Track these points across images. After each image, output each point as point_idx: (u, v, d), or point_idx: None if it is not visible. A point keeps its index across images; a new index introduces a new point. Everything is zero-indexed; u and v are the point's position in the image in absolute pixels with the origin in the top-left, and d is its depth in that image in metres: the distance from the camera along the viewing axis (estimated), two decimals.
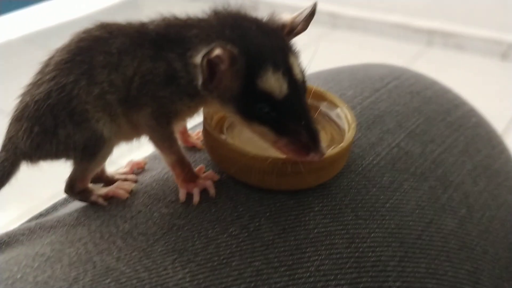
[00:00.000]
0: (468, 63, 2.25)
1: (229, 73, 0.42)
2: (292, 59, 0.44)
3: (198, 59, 0.41)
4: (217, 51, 0.40)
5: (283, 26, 0.46)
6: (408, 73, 0.67)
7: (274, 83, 0.42)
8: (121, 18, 0.48)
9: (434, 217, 0.49)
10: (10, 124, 0.48)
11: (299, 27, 0.46)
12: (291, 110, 0.43)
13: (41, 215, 0.57)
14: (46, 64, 0.47)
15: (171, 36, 0.45)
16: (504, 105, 1.85)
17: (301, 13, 0.46)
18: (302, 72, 0.45)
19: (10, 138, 0.48)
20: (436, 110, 0.61)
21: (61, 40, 0.48)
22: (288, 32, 0.46)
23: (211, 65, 0.41)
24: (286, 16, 0.47)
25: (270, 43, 0.43)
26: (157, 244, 0.43)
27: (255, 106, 0.43)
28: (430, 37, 2.43)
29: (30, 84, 0.48)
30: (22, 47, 2.42)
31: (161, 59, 0.45)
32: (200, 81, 0.41)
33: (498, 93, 1.98)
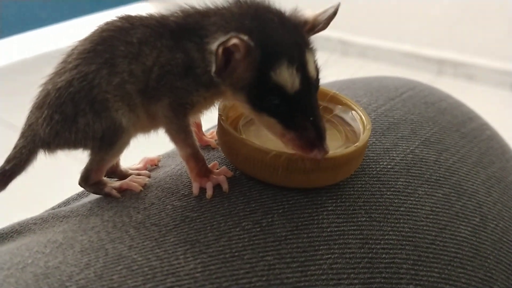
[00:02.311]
0: (478, 94, 2.25)
1: (243, 63, 0.42)
2: (308, 56, 0.44)
3: (214, 46, 0.41)
4: (233, 41, 0.40)
5: (305, 22, 0.46)
6: (422, 85, 0.68)
7: (287, 77, 0.42)
8: None
9: (448, 223, 0.49)
10: (31, 112, 0.49)
11: (320, 26, 0.46)
12: (300, 106, 0.43)
13: (52, 209, 0.56)
14: (69, 54, 0.48)
15: (189, 26, 0.46)
16: None
17: (325, 11, 0.46)
18: (316, 69, 0.45)
19: (29, 125, 0.48)
20: (450, 121, 0.61)
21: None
22: (309, 29, 0.46)
23: (227, 53, 0.41)
24: (309, 13, 0.47)
25: (289, 37, 0.44)
26: (169, 234, 0.43)
27: (266, 98, 0.43)
28: (441, 66, 2.43)
29: (52, 73, 0.48)
30: (39, 65, 2.44)
31: (180, 50, 0.45)
32: (213, 68, 0.42)
33: (508, 124, 1.98)
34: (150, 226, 0.43)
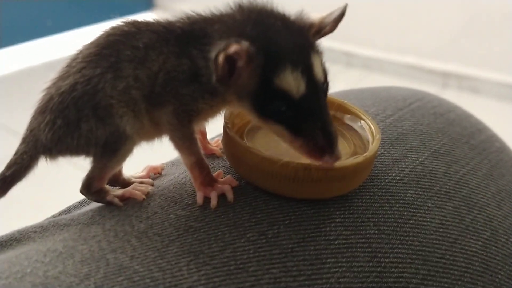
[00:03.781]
0: (483, 107, 2.23)
1: (246, 70, 0.41)
2: (314, 59, 0.43)
3: (213, 54, 0.41)
4: (233, 48, 0.39)
5: (310, 25, 0.45)
6: (430, 96, 0.67)
7: (291, 82, 0.41)
8: None
9: (458, 237, 0.48)
10: (33, 117, 0.48)
11: (327, 28, 0.45)
12: (308, 110, 0.42)
13: (53, 217, 0.55)
14: (74, 58, 0.47)
15: (195, 32, 0.45)
16: None
17: (331, 14, 0.45)
18: (324, 72, 0.44)
19: (31, 130, 0.47)
20: (459, 132, 0.60)
21: None
22: (316, 32, 0.45)
23: (230, 60, 0.40)
24: (315, 15, 0.46)
25: (293, 41, 0.43)
26: (172, 245, 0.41)
27: (271, 104, 0.42)
28: (445, 79, 2.42)
29: (56, 77, 0.47)
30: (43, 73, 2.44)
31: (186, 56, 0.44)
32: (214, 76, 0.41)
33: None
34: (152, 236, 0.42)
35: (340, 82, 2.38)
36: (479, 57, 2.33)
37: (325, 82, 0.44)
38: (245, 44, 0.40)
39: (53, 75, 0.48)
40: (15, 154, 0.48)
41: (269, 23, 0.43)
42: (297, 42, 0.43)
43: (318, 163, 0.42)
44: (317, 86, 0.42)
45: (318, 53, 0.44)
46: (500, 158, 0.60)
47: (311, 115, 0.42)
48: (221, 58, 0.40)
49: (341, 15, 0.45)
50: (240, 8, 0.45)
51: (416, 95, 0.65)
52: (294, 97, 0.41)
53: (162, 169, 0.55)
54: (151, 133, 0.48)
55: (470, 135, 0.60)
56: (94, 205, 0.50)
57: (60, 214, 0.55)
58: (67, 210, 0.55)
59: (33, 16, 2.62)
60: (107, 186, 0.49)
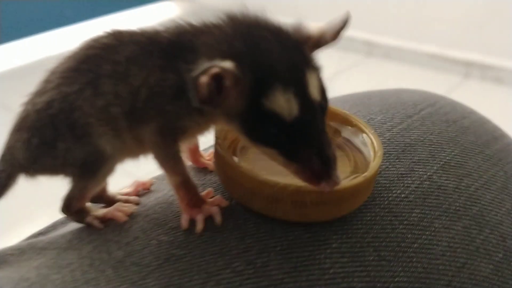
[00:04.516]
0: (506, 97, 2.18)
1: (234, 91, 0.38)
2: (309, 77, 0.39)
3: (194, 74, 0.37)
4: (214, 70, 0.36)
5: (308, 37, 0.41)
6: (444, 100, 0.62)
7: (282, 103, 0.37)
8: None
9: (467, 260, 0.44)
10: (11, 134, 0.45)
11: (328, 38, 0.41)
12: (302, 134, 0.38)
13: (40, 233, 0.53)
14: (53, 72, 0.44)
15: (182, 44, 0.41)
16: None
17: (331, 24, 0.42)
18: (321, 91, 0.40)
19: (9, 148, 0.45)
20: (473, 141, 0.55)
21: None
22: (314, 45, 0.42)
23: (217, 78, 0.37)
24: (313, 26, 0.42)
25: (286, 57, 0.39)
26: (150, 277, 0.38)
27: (261, 127, 0.38)
28: (468, 69, 2.36)
29: (33, 93, 0.45)
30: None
31: (171, 70, 0.41)
32: (194, 99, 0.37)
33: None
34: (129, 266, 0.39)
35: (360, 72, 2.33)
36: (503, 46, 2.26)
37: (323, 101, 0.40)
38: (229, 65, 0.36)
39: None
40: None
41: (260, 38, 0.39)
42: (291, 58, 0.39)
43: (315, 188, 0.38)
44: (313, 106, 0.39)
45: (315, 69, 0.40)
46: None
47: (306, 139, 0.38)
48: (203, 80, 0.36)
49: (343, 24, 0.41)
50: (230, 19, 0.42)
51: (428, 100, 0.60)
52: (286, 120, 0.37)
53: (151, 184, 0.52)
54: (135, 151, 0.46)
55: (485, 144, 0.56)
56: (77, 224, 0.48)
57: (46, 230, 0.53)
58: (53, 226, 0.53)
59: (52, 6, 2.61)
60: (88, 206, 0.47)
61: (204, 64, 0.37)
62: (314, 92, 0.39)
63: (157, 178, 0.54)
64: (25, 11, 2.44)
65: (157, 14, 2.96)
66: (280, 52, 0.39)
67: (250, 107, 0.38)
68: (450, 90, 2.22)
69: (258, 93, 0.37)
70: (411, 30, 2.49)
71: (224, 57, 0.37)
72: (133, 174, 0.53)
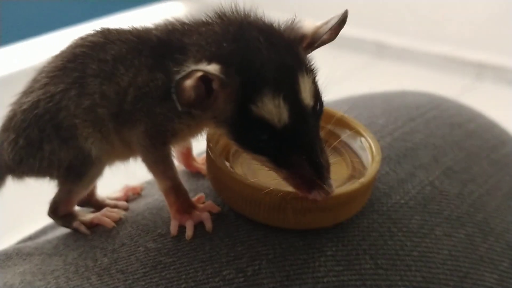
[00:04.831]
0: None
1: (222, 94, 0.36)
2: (302, 81, 0.37)
3: (176, 78, 0.35)
4: (198, 74, 0.34)
5: (302, 37, 0.40)
6: (449, 103, 0.61)
7: (272, 109, 0.36)
8: None
9: (470, 270, 0.43)
10: None
11: (325, 37, 0.39)
12: (293, 141, 0.37)
13: (30, 238, 0.53)
14: (40, 71, 0.44)
15: (172, 43, 0.40)
16: None
17: (328, 22, 0.40)
18: (315, 96, 0.38)
19: None
20: (479, 145, 0.54)
21: None
22: (309, 45, 0.40)
23: (206, 80, 0.35)
24: (308, 25, 0.40)
25: (277, 59, 0.37)
26: (135, 285, 0.38)
27: (250, 133, 0.37)
28: (480, 70, 2.36)
29: (21, 93, 0.45)
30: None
31: (160, 70, 0.40)
32: (177, 103, 0.36)
33: None
34: (115, 274, 0.39)
35: (370, 75, 2.31)
36: None
37: (317, 105, 0.38)
38: (214, 69, 0.35)
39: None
40: None
41: (250, 37, 0.38)
42: (282, 60, 0.37)
43: (306, 197, 0.37)
44: (305, 112, 0.37)
45: (309, 72, 0.38)
46: None
47: (296, 146, 0.37)
48: (187, 84, 0.35)
49: (341, 22, 0.39)
50: (220, 18, 0.40)
51: (433, 102, 0.59)
52: (275, 126, 0.36)
53: (142, 189, 0.51)
54: (124, 154, 0.45)
55: (491, 149, 0.55)
56: (64, 229, 0.47)
57: (36, 234, 0.52)
58: (43, 231, 0.53)
59: (60, 5, 2.62)
60: (76, 210, 0.46)
61: (190, 67, 0.35)
62: (307, 97, 0.37)
63: (149, 182, 0.53)
64: (27, 12, 2.46)
65: (163, 13, 2.97)
66: (271, 54, 0.37)
67: (238, 112, 0.37)
68: (462, 92, 2.21)
69: (247, 98, 0.36)
70: (422, 31, 2.48)
71: (212, 58, 0.36)
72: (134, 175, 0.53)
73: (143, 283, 0.37)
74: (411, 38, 2.50)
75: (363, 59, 2.41)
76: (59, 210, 0.45)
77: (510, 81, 2.27)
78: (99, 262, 0.40)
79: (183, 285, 0.37)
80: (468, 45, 2.37)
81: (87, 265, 0.40)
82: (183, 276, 0.38)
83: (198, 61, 0.37)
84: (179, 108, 0.35)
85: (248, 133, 0.37)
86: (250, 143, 0.37)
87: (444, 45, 2.42)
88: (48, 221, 0.52)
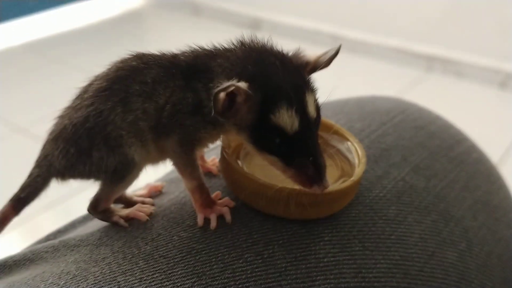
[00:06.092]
0: (467, 91, 2.27)
1: (245, 106, 0.45)
2: (308, 97, 0.46)
3: (214, 91, 0.43)
4: (231, 89, 0.43)
5: (306, 63, 0.48)
6: (412, 107, 0.70)
7: (286, 119, 0.44)
8: (123, 29, 0.51)
9: (435, 250, 0.51)
10: (47, 143, 0.51)
11: (323, 64, 0.48)
12: (300, 145, 0.45)
13: (59, 231, 0.59)
14: (85, 91, 0.51)
15: (198, 67, 0.48)
16: (501, 134, 1.88)
17: (326, 53, 0.49)
18: (316, 110, 0.47)
19: (45, 156, 0.51)
20: (439, 145, 0.63)
21: (64, 48, 0.50)
22: (311, 70, 0.49)
23: (231, 95, 0.43)
24: (310, 54, 0.49)
25: (289, 80, 0.46)
26: (177, 266, 0.45)
27: (267, 138, 0.45)
28: (430, 63, 2.46)
29: (68, 108, 0.51)
30: (22, 55, 2.47)
31: (190, 90, 0.48)
32: (213, 111, 0.44)
33: (496, 121, 2.01)
34: (158, 258, 0.46)
35: (329, 66, 2.37)
36: (464, 41, 2.36)
37: (318, 117, 0.47)
38: (244, 85, 0.43)
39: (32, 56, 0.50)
40: (29, 177, 0.51)
41: (268, 62, 0.46)
42: (293, 81, 0.46)
43: (307, 190, 0.46)
44: (310, 122, 0.46)
45: (312, 91, 0.47)
46: (476, 169, 0.64)
47: (303, 149, 0.45)
48: (221, 96, 0.43)
49: (335, 54, 0.48)
50: (242, 45, 0.49)
51: (399, 107, 0.68)
52: (288, 133, 0.45)
53: (162, 187, 0.59)
54: (156, 159, 0.52)
55: (449, 148, 0.64)
56: (98, 221, 0.54)
57: (65, 228, 0.59)
58: (72, 225, 0.59)
59: None
60: (112, 206, 0.53)
61: (224, 82, 0.44)
62: (312, 110, 0.46)
63: (165, 180, 0.60)
64: None
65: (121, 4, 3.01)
66: (285, 75, 0.46)
67: (258, 121, 0.45)
68: (413, 84, 2.31)
69: (266, 109, 0.44)
70: (375, 24, 2.56)
71: (239, 77, 0.44)
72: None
73: (183, 265, 0.45)
74: (365, 31, 2.59)
75: (320, 51, 2.46)
76: (99, 206, 0.51)
77: (457, 73, 2.39)
78: (142, 250, 0.47)
79: (215, 266, 0.45)
80: (419, 39, 2.47)
81: (133, 253, 0.47)
82: (214, 259, 0.45)
83: (228, 79, 0.45)
84: (213, 115, 0.44)
85: (265, 137, 0.45)
86: (265, 146, 0.46)
87: (396, 38, 2.51)
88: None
